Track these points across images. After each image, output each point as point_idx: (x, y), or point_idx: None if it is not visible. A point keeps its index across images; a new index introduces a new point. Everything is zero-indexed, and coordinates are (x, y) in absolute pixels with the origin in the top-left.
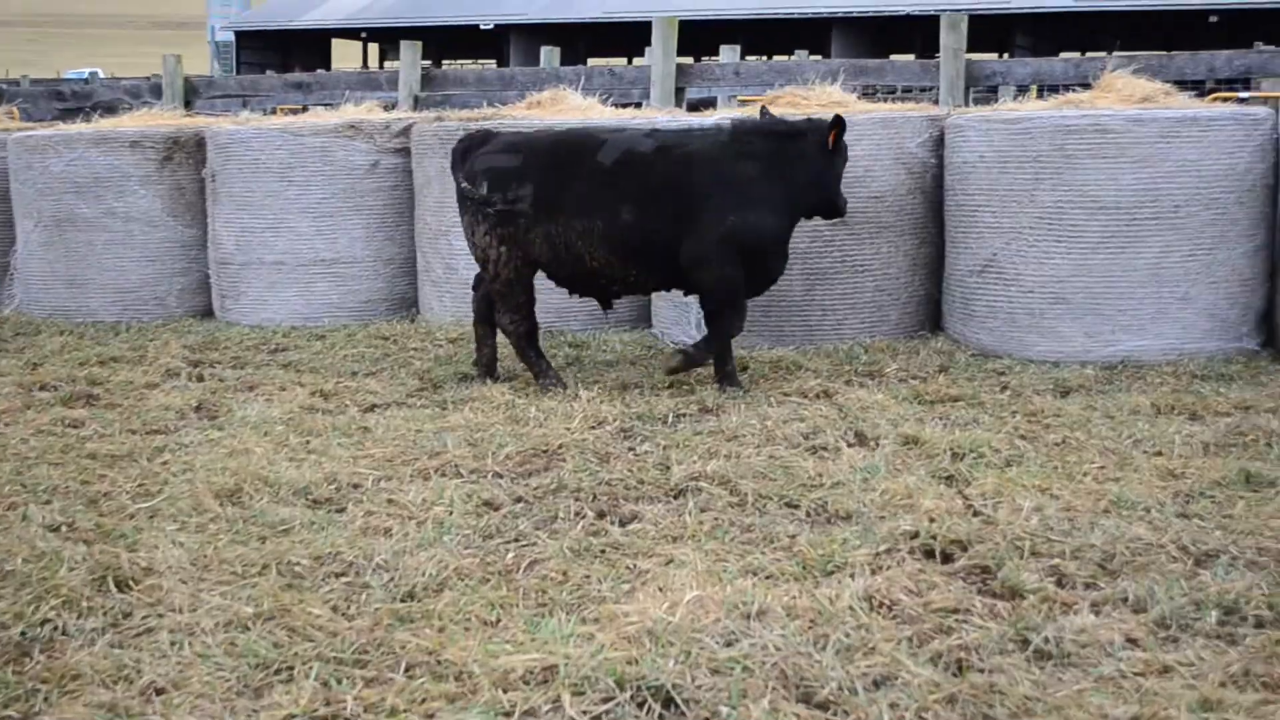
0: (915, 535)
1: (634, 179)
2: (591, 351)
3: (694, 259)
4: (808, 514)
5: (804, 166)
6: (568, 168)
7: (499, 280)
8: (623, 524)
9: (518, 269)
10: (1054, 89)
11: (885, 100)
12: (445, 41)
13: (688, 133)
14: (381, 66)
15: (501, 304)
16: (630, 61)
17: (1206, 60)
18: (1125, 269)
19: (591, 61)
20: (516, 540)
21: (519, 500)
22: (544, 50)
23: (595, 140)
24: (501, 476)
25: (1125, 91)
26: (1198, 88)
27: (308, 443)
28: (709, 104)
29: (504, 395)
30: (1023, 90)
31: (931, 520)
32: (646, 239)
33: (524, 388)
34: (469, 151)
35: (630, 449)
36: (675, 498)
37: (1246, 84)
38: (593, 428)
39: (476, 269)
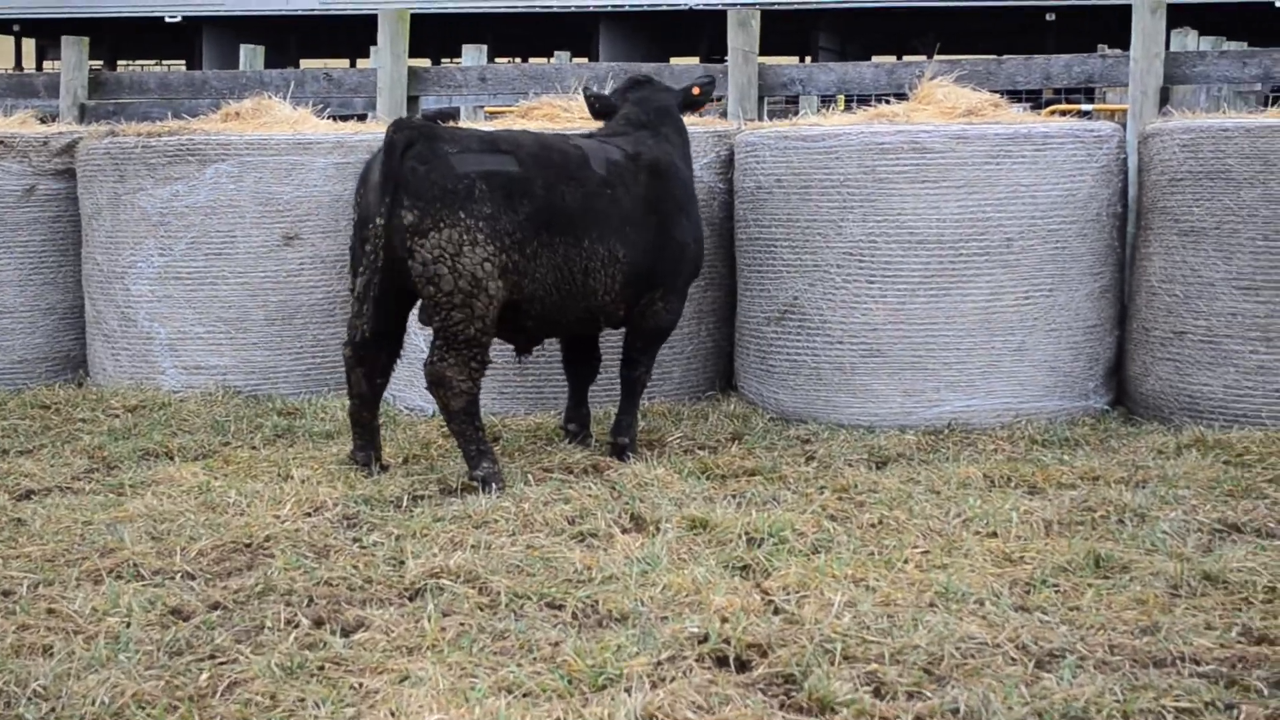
0: (704, 639)
1: (627, 193)
2: (306, 420)
3: (665, 287)
4: (574, 616)
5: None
6: (573, 177)
7: (476, 325)
8: (345, 633)
9: (499, 308)
10: (865, 100)
11: None
12: (121, 37)
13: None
14: (40, 68)
15: (462, 357)
16: (353, 64)
17: (1042, 66)
18: (949, 315)
19: (304, 64)
20: (212, 657)
21: (215, 607)
22: (244, 50)
23: (578, 149)
24: (193, 577)
25: (947, 103)
26: (1033, 98)
27: None
28: (450, 115)
29: (195, 476)
30: (827, 101)
31: (724, 620)
32: (646, 264)
33: (222, 467)
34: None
35: (355, 540)
36: (411, 599)
37: (1089, 94)
38: (308, 515)
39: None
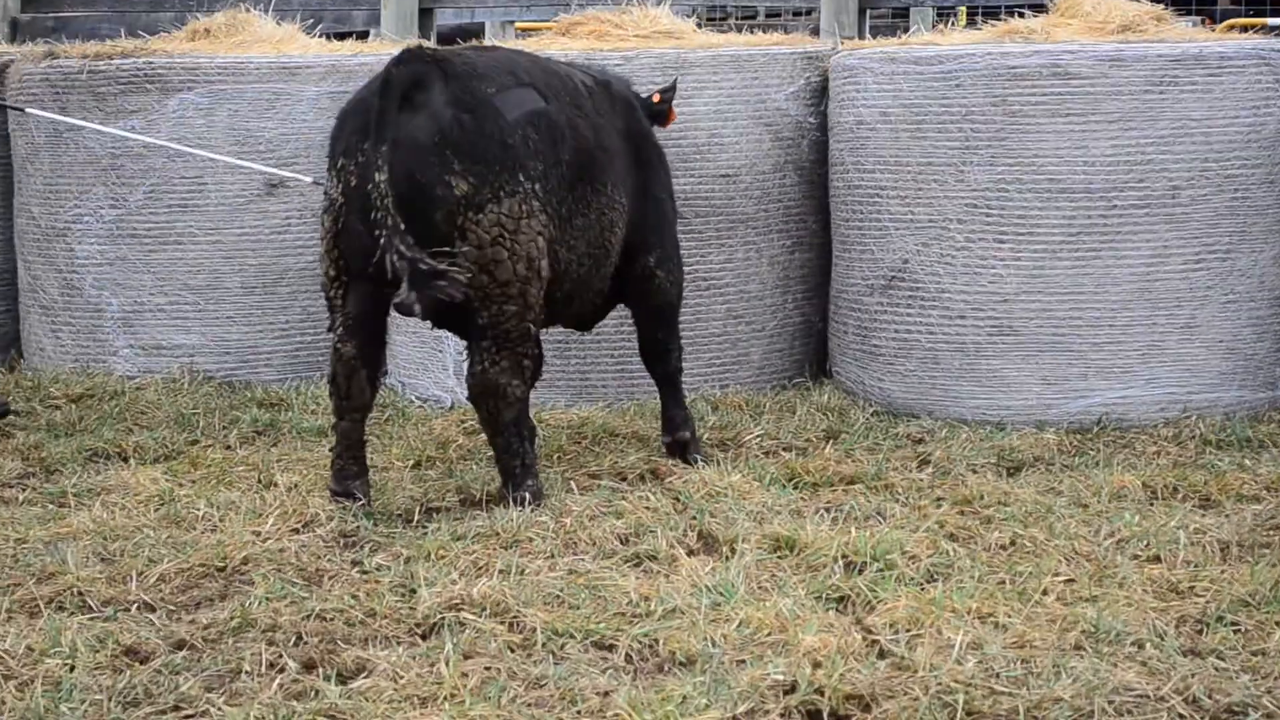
0: (791, 688)
1: (611, 126)
2: (293, 414)
3: (659, 249)
4: (628, 659)
5: None
6: (580, 106)
7: (530, 315)
8: (343, 679)
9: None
10: (993, 11)
11: (741, 28)
12: None
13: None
14: None
15: (516, 358)
16: None
17: None
18: (1100, 282)
19: None
20: (176, 709)
21: (180, 646)
22: None
23: (567, 73)
24: (152, 609)
25: (1097, 16)
26: (1207, 10)
27: None
28: (472, 34)
29: (155, 483)
30: (945, 14)
31: (816, 665)
32: (637, 216)
33: (188, 471)
34: (426, 85)
35: (354, 564)
36: (424, 637)
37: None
38: (295, 531)
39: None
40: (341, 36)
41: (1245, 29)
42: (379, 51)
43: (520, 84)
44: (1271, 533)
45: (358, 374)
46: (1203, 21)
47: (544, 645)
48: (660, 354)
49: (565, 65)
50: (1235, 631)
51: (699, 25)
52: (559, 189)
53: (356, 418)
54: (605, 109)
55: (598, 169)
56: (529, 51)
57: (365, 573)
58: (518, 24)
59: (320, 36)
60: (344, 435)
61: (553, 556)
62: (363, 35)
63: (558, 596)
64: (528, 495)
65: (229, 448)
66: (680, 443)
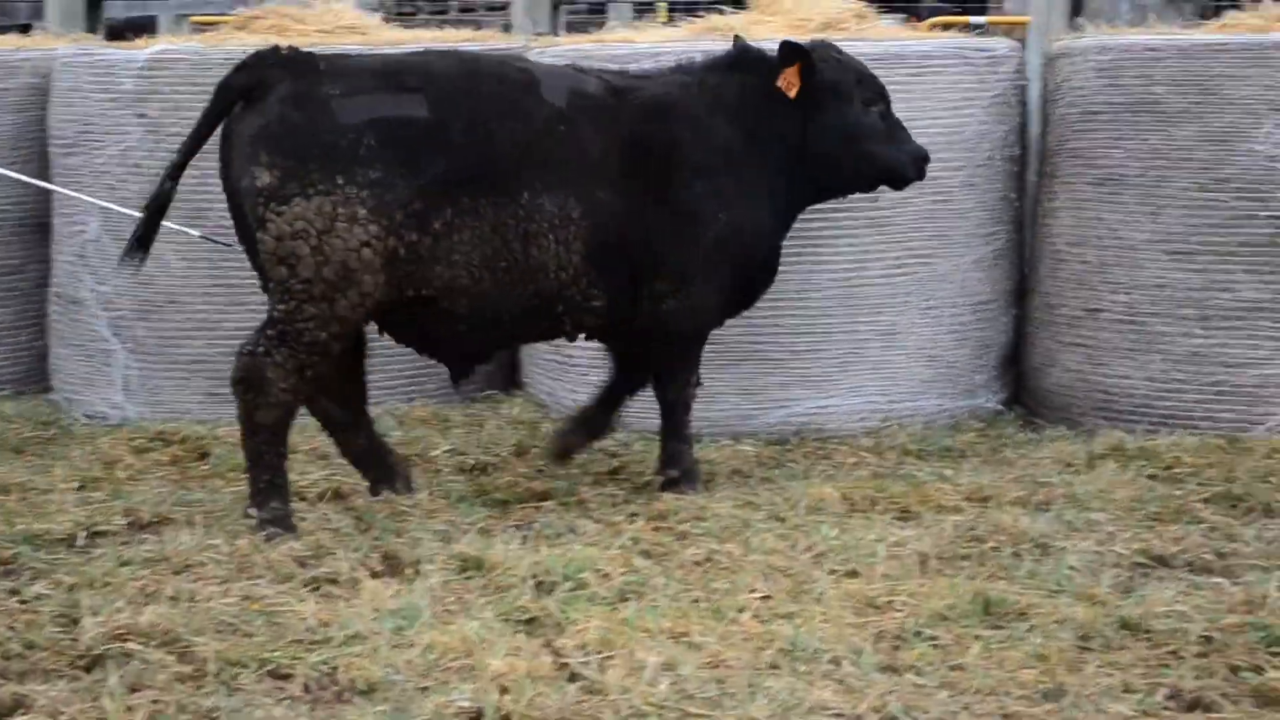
0: (478, 715)
1: (596, 135)
2: None
3: (676, 273)
4: (305, 688)
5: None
6: (512, 110)
7: (332, 329)
8: (0, 716)
9: (371, 309)
10: (693, 8)
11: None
12: None
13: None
14: None
15: (297, 361)
16: None
17: None
18: (799, 289)
19: None
20: None
21: None
22: None
23: (526, 72)
24: None
25: (798, 13)
26: (909, 7)
27: None
28: (141, 27)
29: None
30: (643, 10)
31: (504, 690)
32: (630, 235)
33: None
34: (270, 85)
35: (12, 593)
36: (88, 670)
37: (982, 2)
38: None
39: None
40: (1, 30)
41: (949, 26)
42: (44, 47)
43: (394, 89)
44: (971, 544)
45: (313, 399)
46: (907, 19)
47: (216, 676)
48: (659, 380)
49: (562, 70)
50: (934, 646)
51: (386, 20)
52: (416, 201)
53: (338, 432)
54: (587, 115)
55: (506, 175)
56: (510, 53)
57: (24, 602)
58: (194, 18)
59: None
60: (340, 451)
61: (226, 582)
62: (24, 28)
63: (231, 624)
64: (267, 516)
65: None
66: (669, 480)
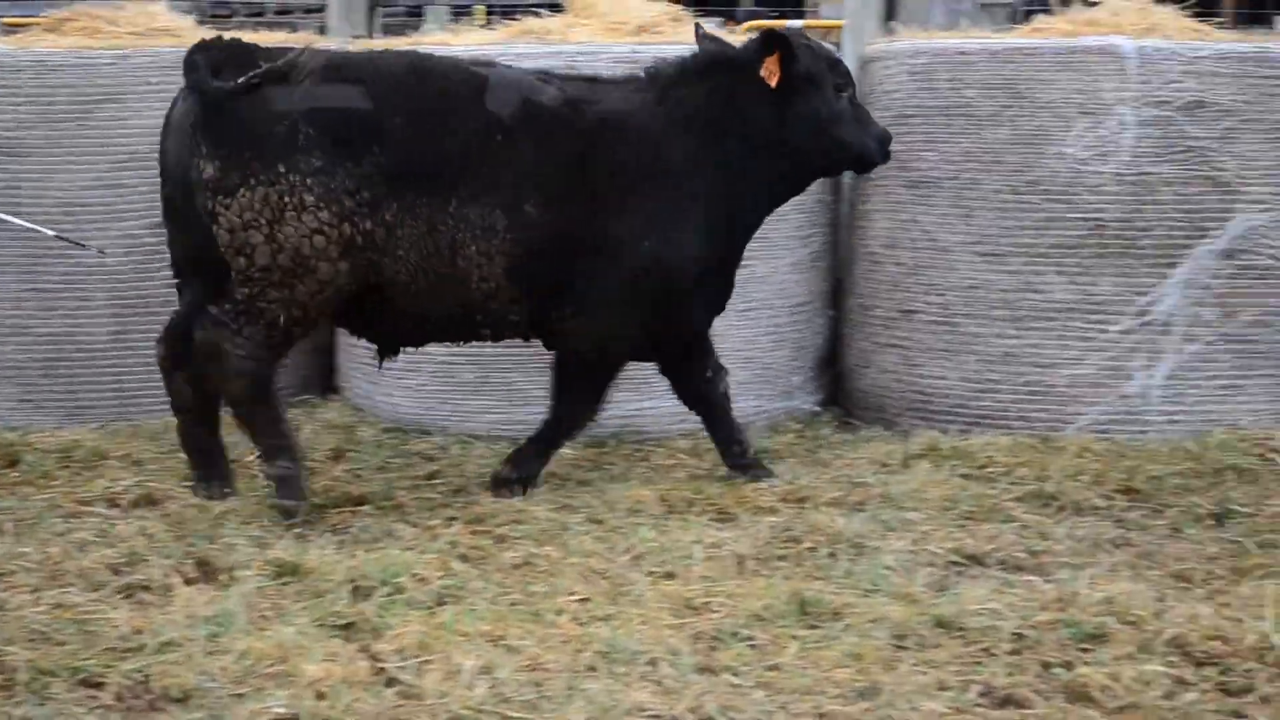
0: None
1: (540, 149)
2: None
3: (584, 298)
4: (119, 697)
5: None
6: (454, 114)
7: (294, 312)
8: None
9: (334, 297)
10: (510, 11)
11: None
12: None
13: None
14: None
15: (257, 336)
16: None
17: None
18: None
19: None
20: None
21: None
22: None
23: (477, 76)
24: None
25: (614, 16)
26: (726, 11)
27: None
28: None
29: None
30: (460, 13)
31: (320, 696)
32: (553, 253)
33: None
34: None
35: None
36: None
37: (799, 5)
38: None
39: None
40: None
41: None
42: None
43: (334, 80)
44: (787, 544)
45: (172, 374)
46: (724, 22)
47: (27, 685)
48: (559, 391)
49: (519, 75)
50: (750, 647)
51: (200, 22)
52: (363, 190)
53: (185, 417)
54: (536, 127)
55: (441, 179)
56: (471, 56)
57: None
58: (3, 20)
59: None
60: (179, 435)
61: (37, 590)
62: None
63: (42, 632)
64: (278, 473)
65: None
66: (503, 480)
